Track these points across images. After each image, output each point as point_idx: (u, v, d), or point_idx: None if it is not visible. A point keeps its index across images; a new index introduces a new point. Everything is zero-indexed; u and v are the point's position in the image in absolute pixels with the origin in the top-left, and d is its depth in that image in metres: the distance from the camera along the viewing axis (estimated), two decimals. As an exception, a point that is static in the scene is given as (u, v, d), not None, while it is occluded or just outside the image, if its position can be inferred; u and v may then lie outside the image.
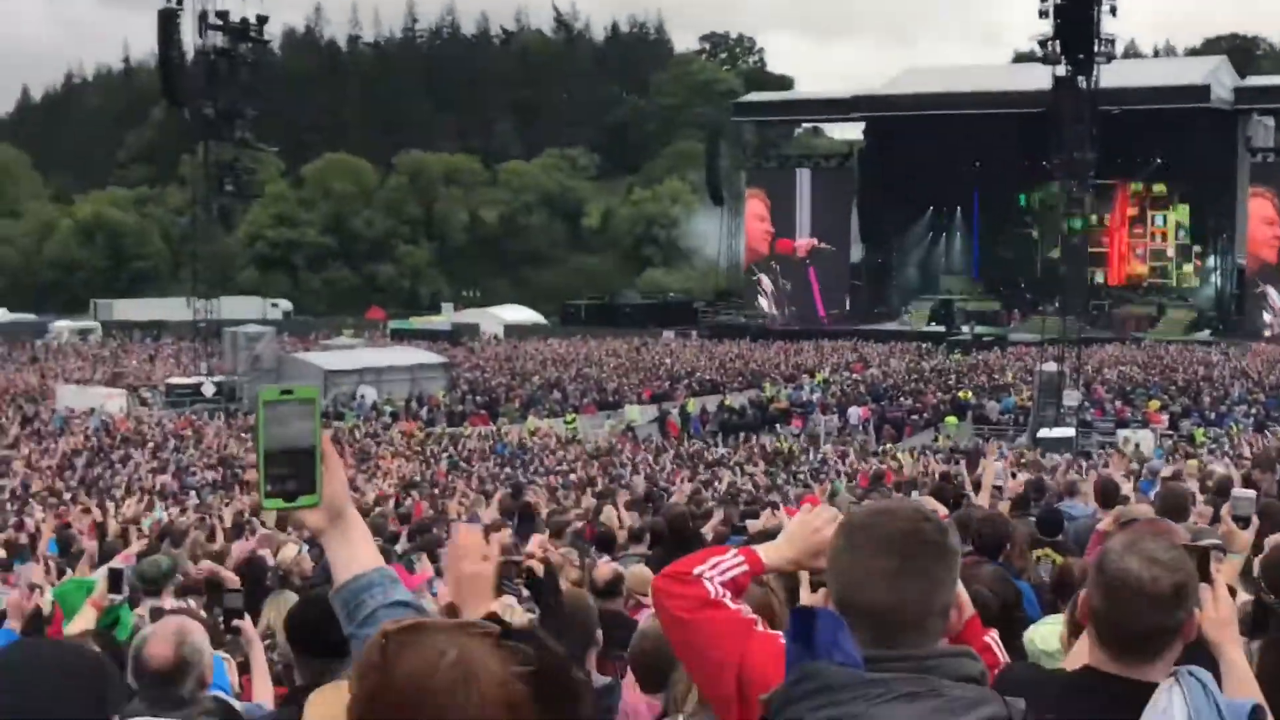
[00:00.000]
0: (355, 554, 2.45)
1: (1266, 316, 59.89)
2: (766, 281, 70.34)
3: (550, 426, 40.01)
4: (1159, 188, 65.08)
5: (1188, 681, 2.66)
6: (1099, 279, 63.11)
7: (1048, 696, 2.62)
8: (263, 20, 49.07)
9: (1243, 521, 5.70)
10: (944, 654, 2.27)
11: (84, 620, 5.70)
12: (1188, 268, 65.96)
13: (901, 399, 43.20)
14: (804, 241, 69.17)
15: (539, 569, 5.14)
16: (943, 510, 9.57)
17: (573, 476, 27.29)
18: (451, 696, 1.88)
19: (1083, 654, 2.93)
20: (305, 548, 11.48)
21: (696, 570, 2.88)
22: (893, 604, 2.29)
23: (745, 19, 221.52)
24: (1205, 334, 58.91)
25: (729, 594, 2.84)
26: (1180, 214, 65.32)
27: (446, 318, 75.70)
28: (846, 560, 2.39)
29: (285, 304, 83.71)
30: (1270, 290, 59.99)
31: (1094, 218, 44.14)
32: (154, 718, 4.03)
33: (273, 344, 48.82)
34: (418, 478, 26.73)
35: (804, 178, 70.36)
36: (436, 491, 23.33)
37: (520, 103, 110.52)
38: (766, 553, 3.02)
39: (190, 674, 4.22)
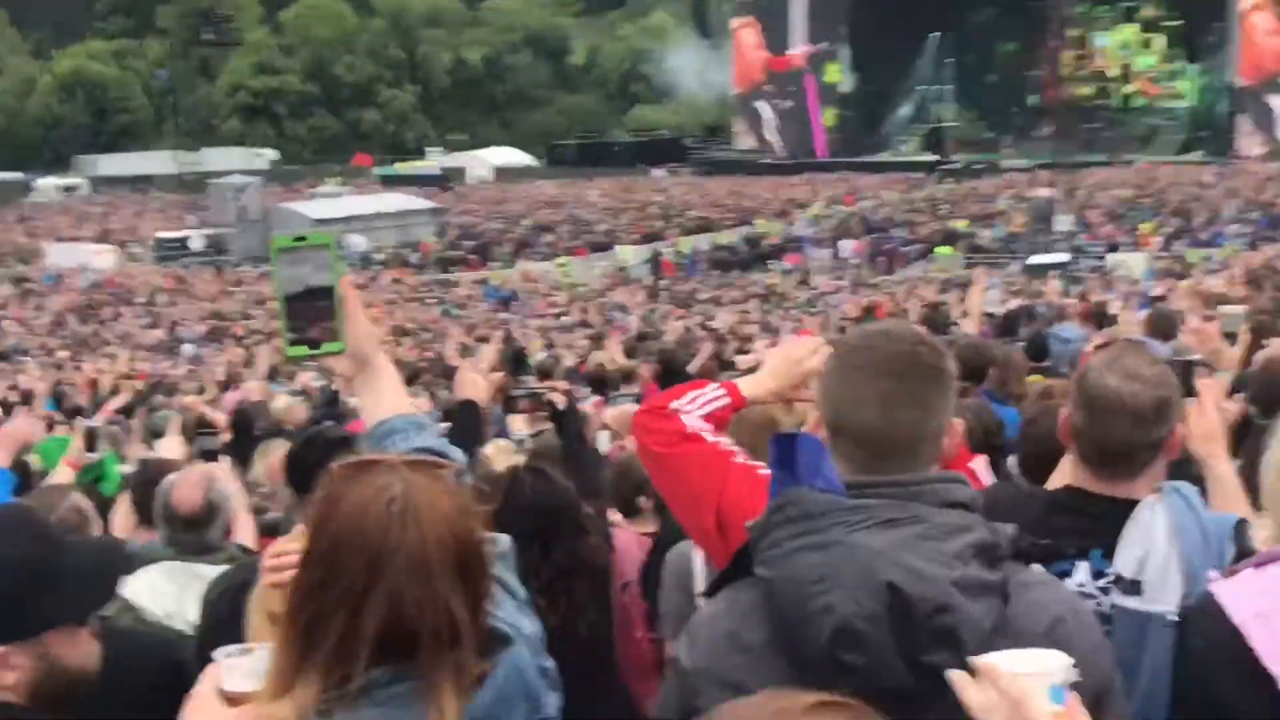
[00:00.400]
0: (381, 401, 2.44)
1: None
2: (766, 108, 69.49)
3: (543, 269, 39.93)
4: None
5: (1170, 497, 2.64)
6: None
7: (1030, 516, 2.60)
8: None
9: (1230, 337, 5.67)
10: (932, 479, 2.22)
11: (60, 479, 5.68)
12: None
13: (894, 230, 43.04)
14: (799, 51, 68.16)
15: (560, 401, 5.10)
16: (932, 338, 9.58)
17: (566, 319, 27.29)
18: (387, 531, 1.91)
19: (1065, 473, 2.91)
20: (299, 398, 11.50)
21: (674, 405, 2.86)
22: (885, 427, 2.23)
23: None
24: (1198, 155, 58.51)
25: (709, 427, 2.82)
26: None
27: (434, 162, 75.03)
28: (839, 382, 2.32)
29: (270, 153, 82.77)
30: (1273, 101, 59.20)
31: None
32: (181, 562, 4.07)
33: (259, 194, 48.36)
34: (410, 325, 26.73)
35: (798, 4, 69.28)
36: (430, 337, 23.34)
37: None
38: (748, 385, 2.99)
39: (218, 519, 4.27)
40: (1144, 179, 49.07)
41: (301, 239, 2.34)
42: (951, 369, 2.34)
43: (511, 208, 54.56)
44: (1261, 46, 59.26)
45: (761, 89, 69.39)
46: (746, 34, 69.52)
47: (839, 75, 68.06)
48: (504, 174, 71.09)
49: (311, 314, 2.33)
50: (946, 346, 2.42)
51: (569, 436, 5.26)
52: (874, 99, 68.55)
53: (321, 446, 3.72)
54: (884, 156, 64.90)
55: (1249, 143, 59.17)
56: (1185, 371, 2.98)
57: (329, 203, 52.19)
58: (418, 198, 53.70)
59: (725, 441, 2.79)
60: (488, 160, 75.13)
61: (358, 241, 45.00)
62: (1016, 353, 7.57)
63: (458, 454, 2.35)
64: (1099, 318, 10.11)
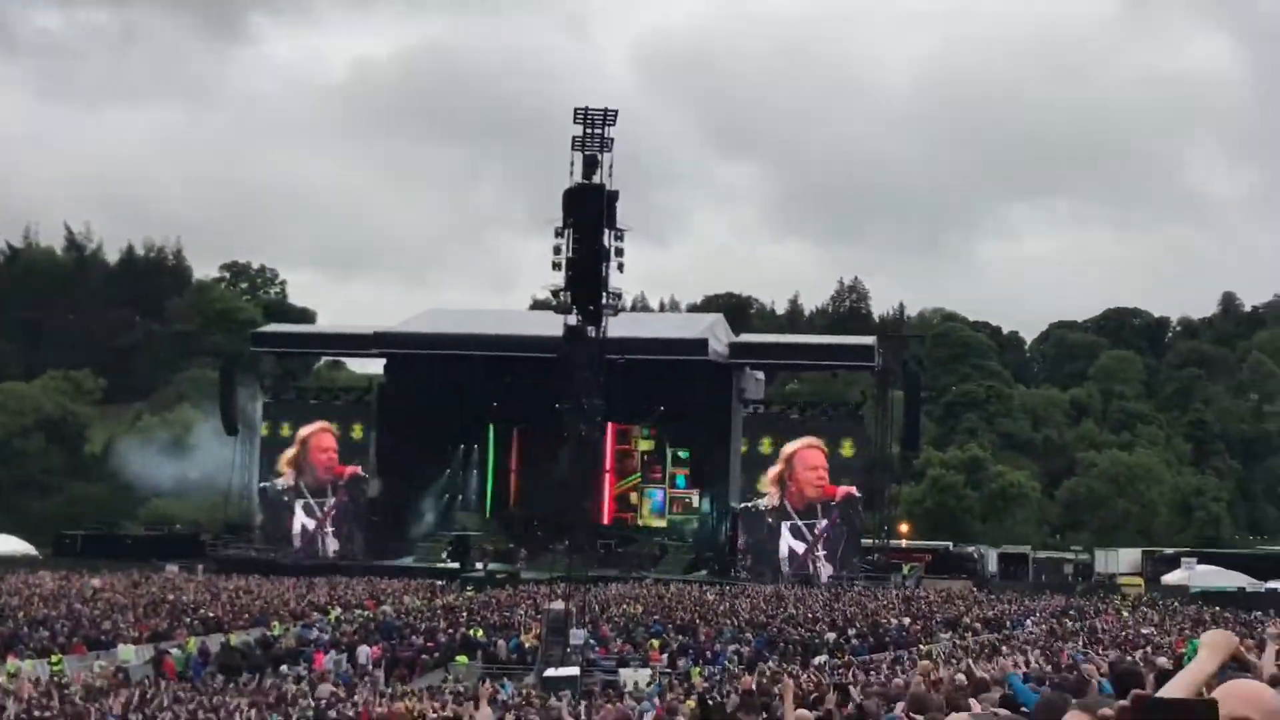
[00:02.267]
0: None
1: (791, 547, 63.15)
2: (291, 509, 68.82)
3: (33, 668, 36.97)
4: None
5: None
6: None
7: None
8: None
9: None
10: None
11: None
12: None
13: (414, 637, 42.73)
14: (330, 455, 68.86)
15: None
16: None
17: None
18: None
19: None
20: None
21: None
22: None
23: (267, 251, 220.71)
24: (702, 574, 61.80)
25: None
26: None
27: (-77, 548, 69.39)
28: None
29: None
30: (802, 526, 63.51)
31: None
32: None
33: None
34: None
35: (334, 411, 70.45)
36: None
37: (23, 321, 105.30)
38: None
39: None
40: (653, 596, 51.23)
41: None
42: None
43: (5, 599, 50.69)
44: (804, 477, 63.84)
45: (287, 489, 69.00)
46: (323, 438, 69.73)
47: (368, 479, 68.84)
48: (2, 562, 66.36)
49: None
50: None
51: None
52: (401, 504, 69.31)
53: None
54: (408, 561, 65.09)
55: (747, 565, 63.25)
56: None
57: None
58: (-103, 585, 49.30)
59: None
60: (-16, 547, 70.21)
61: None
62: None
63: None
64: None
